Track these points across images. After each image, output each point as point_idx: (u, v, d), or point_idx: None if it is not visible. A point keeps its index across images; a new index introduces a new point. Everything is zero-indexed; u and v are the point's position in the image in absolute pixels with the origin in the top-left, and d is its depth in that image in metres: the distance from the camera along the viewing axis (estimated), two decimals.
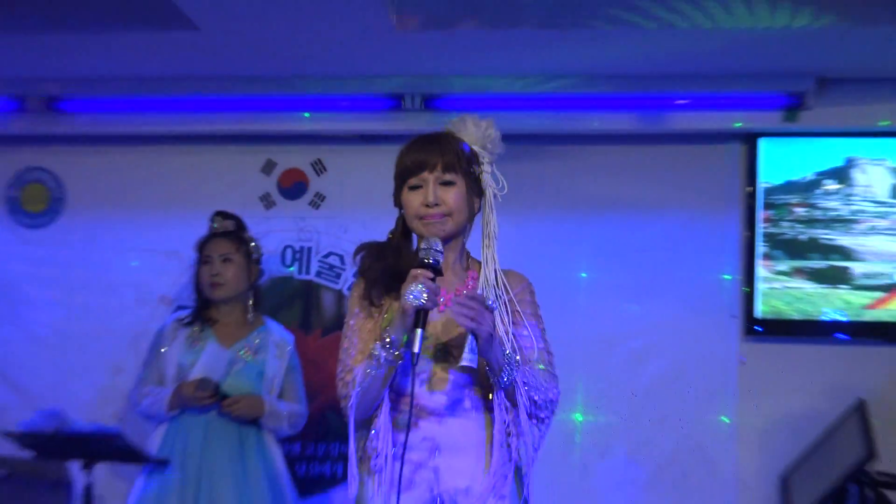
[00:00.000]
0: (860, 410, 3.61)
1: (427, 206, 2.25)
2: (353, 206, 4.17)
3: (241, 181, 4.22)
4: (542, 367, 2.34)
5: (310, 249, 4.13)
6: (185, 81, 4.06)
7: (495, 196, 2.35)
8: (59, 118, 4.19)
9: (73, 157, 4.32)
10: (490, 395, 2.32)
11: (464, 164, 2.32)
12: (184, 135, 4.21)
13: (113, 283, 4.25)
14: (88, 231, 4.29)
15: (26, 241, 4.31)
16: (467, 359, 2.27)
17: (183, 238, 3.84)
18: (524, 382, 2.28)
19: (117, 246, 4.27)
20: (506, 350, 2.28)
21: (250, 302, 3.57)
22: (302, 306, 4.13)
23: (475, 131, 2.38)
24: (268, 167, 4.22)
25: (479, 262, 2.36)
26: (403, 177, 2.32)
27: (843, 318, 4.04)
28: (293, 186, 4.22)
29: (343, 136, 4.16)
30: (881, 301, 4.01)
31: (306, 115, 4.09)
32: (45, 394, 4.13)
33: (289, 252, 4.10)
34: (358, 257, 2.36)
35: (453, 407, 2.28)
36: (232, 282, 3.52)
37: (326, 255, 4.18)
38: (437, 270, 2.17)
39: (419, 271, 2.17)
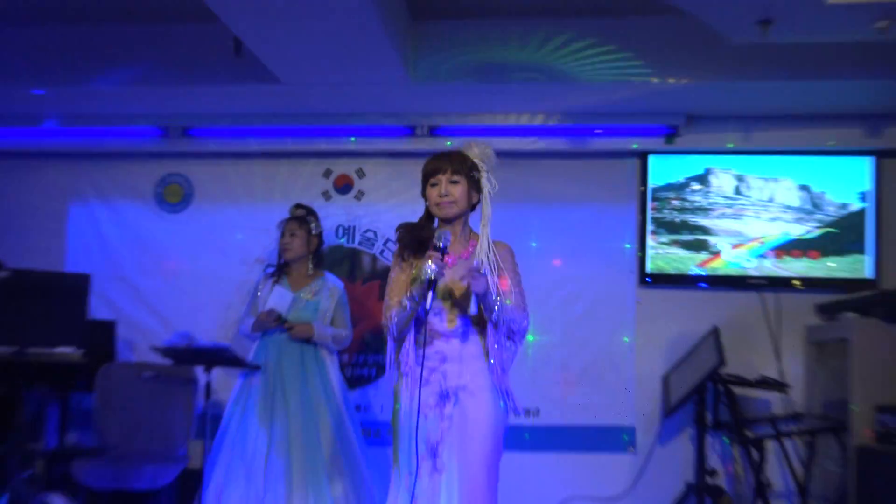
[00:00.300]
0: (714, 333, 4.22)
1: (441, 196, 2.66)
2: (383, 199, 4.75)
3: (310, 182, 4.80)
4: (508, 301, 2.65)
5: (354, 227, 4.70)
6: (272, 116, 4.66)
7: (490, 193, 2.71)
8: (190, 140, 4.77)
9: (199, 166, 4.88)
10: (480, 327, 2.69)
11: (466, 170, 2.68)
12: (271, 151, 4.78)
13: (224, 248, 4.81)
14: (209, 215, 4.86)
15: (168, 221, 4.87)
16: (472, 310, 2.68)
17: (271, 219, 4.36)
18: (504, 320, 2.62)
19: (228, 224, 4.83)
20: (495, 297, 2.59)
21: (310, 262, 4.07)
22: (349, 264, 4.67)
23: (477, 150, 2.74)
24: (326, 173, 4.79)
25: (478, 235, 2.72)
26: (427, 178, 2.70)
27: (703, 273, 4.61)
28: (343, 186, 4.79)
29: (376, 153, 4.76)
30: (707, 261, 4.59)
31: (352, 139, 4.68)
32: (179, 322, 4.73)
33: (340, 229, 4.66)
34: (398, 231, 2.78)
35: (456, 332, 2.68)
36: (296, 249, 4.03)
37: (365, 231, 4.73)
38: (443, 252, 2.57)
39: (432, 253, 2.54)
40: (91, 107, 4.57)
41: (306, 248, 4.06)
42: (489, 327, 2.63)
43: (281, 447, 3.83)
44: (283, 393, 3.91)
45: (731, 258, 4.59)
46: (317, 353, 3.97)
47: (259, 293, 4.09)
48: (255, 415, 3.89)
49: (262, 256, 4.76)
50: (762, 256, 4.57)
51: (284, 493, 3.79)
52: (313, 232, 4.09)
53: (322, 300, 4.03)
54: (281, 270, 4.09)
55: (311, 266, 4.09)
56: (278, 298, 3.99)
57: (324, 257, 4.24)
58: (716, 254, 4.58)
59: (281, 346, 3.95)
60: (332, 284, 4.09)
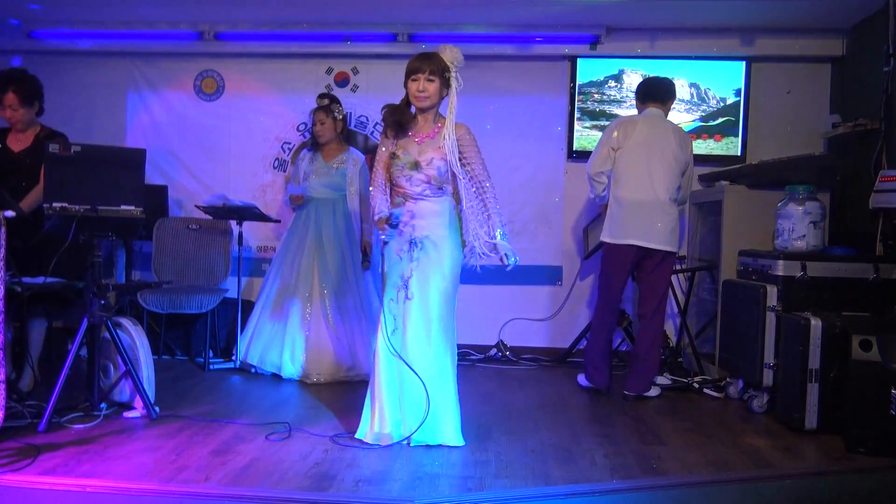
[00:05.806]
0: None
1: (419, 91, 2.84)
2: (372, 90, 5.06)
3: (315, 77, 5.10)
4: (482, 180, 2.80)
5: (350, 113, 4.98)
6: (286, 24, 4.90)
7: (457, 89, 2.91)
8: (221, 43, 5.05)
9: (229, 64, 5.19)
10: (441, 189, 2.82)
11: (440, 71, 2.83)
12: (285, 52, 5.05)
13: (250, 129, 5.18)
14: (238, 103, 5.18)
15: (205, 108, 5.22)
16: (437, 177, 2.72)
17: (287, 107, 4.95)
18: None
19: (253, 110, 5.17)
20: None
21: (339, 139, 4.33)
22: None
23: (450, 54, 2.89)
24: (329, 70, 5.14)
25: (444, 118, 2.87)
26: (409, 73, 2.86)
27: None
28: (342, 81, 5.14)
29: (366, 55, 5.04)
30: None
31: (348, 43, 4.99)
32: (216, 186, 5.11)
33: None
34: (383, 111, 2.94)
35: (423, 195, 2.88)
36: (326, 133, 4.32)
37: (359, 116, 5.11)
38: (395, 226, 2.81)
39: (385, 226, 2.79)
40: (140, 14, 4.80)
41: (334, 131, 4.31)
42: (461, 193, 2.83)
43: (310, 273, 4.16)
44: (319, 234, 4.25)
45: None
46: (345, 209, 4.30)
47: (300, 165, 4.40)
48: (301, 251, 4.22)
49: (280, 135, 5.07)
50: None
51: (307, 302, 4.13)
52: (338, 117, 4.31)
53: (348, 169, 4.30)
54: (315, 148, 4.38)
55: (339, 143, 4.35)
56: (319, 168, 4.20)
57: (349, 134, 4.43)
58: None
59: (318, 205, 4.31)
60: (356, 156, 4.35)
